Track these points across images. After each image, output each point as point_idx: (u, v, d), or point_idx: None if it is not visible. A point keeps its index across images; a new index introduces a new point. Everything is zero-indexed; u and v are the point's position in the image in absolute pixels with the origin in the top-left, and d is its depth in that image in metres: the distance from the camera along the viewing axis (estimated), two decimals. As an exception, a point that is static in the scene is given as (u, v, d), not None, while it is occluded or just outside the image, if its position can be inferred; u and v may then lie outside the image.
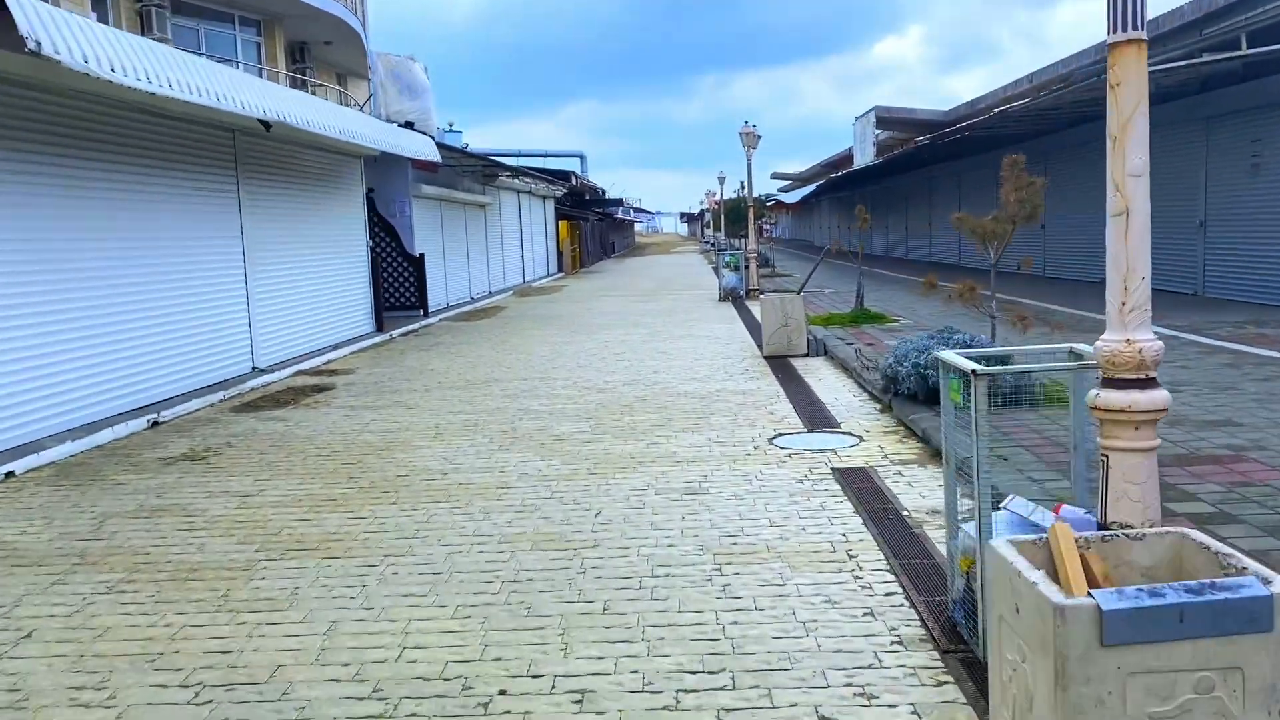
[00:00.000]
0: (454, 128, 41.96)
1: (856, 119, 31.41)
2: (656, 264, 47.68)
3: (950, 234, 30.49)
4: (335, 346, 14.25)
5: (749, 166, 23.23)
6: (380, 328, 16.29)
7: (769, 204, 54.95)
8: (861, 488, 6.08)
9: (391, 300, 19.04)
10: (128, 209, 9.58)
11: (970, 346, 7.80)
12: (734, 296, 21.77)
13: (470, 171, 23.68)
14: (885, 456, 6.91)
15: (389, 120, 16.31)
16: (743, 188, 57.29)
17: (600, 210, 54.55)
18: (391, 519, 5.82)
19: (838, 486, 6.13)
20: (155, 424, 9.17)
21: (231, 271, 11.61)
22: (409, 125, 16.36)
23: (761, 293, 22.64)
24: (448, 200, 21.66)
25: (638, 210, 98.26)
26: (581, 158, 54.04)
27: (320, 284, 14.30)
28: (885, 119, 30.13)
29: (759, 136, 22.78)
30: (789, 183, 64.09)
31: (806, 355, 12.15)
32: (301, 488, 6.66)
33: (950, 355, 3.68)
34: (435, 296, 20.49)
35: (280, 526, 5.75)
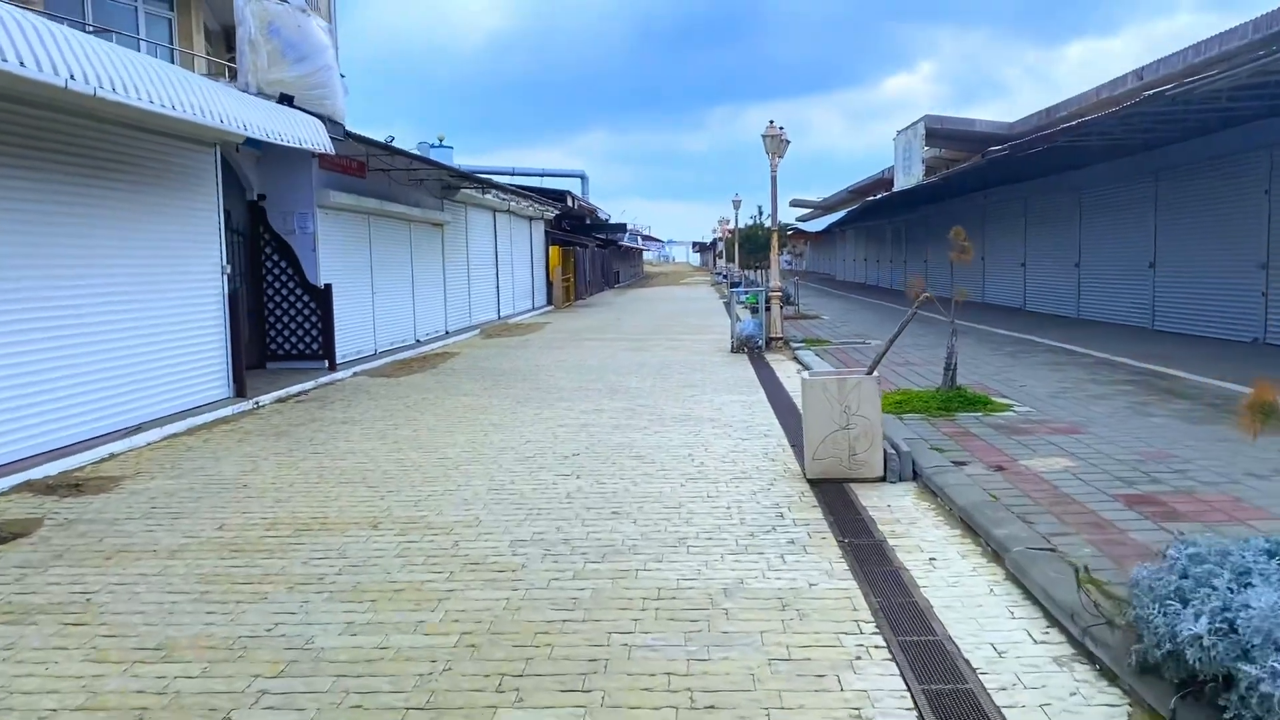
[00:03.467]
0: (444, 143, 37.59)
1: (899, 132, 26.39)
2: (662, 297, 42.63)
3: (1013, 273, 25.37)
4: (139, 428, 9.22)
5: (773, 180, 18.17)
6: (241, 392, 11.24)
7: (789, 232, 49.89)
8: None
9: (285, 348, 14.03)
10: None
11: None
12: (751, 347, 16.68)
13: (421, 181, 18.73)
14: None
15: (261, 94, 11.34)
16: (761, 212, 52.30)
17: (601, 236, 49.65)
18: None
19: None
20: None
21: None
22: (287, 100, 11.37)
23: (788, 342, 17.55)
24: (380, 214, 16.66)
25: (647, 238, 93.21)
26: (583, 178, 49.13)
27: (119, 330, 9.28)
28: (936, 131, 25.01)
29: (787, 142, 17.75)
30: (809, 211, 59.10)
31: (883, 479, 7.05)
32: None
33: None
34: (355, 341, 15.47)
35: None
